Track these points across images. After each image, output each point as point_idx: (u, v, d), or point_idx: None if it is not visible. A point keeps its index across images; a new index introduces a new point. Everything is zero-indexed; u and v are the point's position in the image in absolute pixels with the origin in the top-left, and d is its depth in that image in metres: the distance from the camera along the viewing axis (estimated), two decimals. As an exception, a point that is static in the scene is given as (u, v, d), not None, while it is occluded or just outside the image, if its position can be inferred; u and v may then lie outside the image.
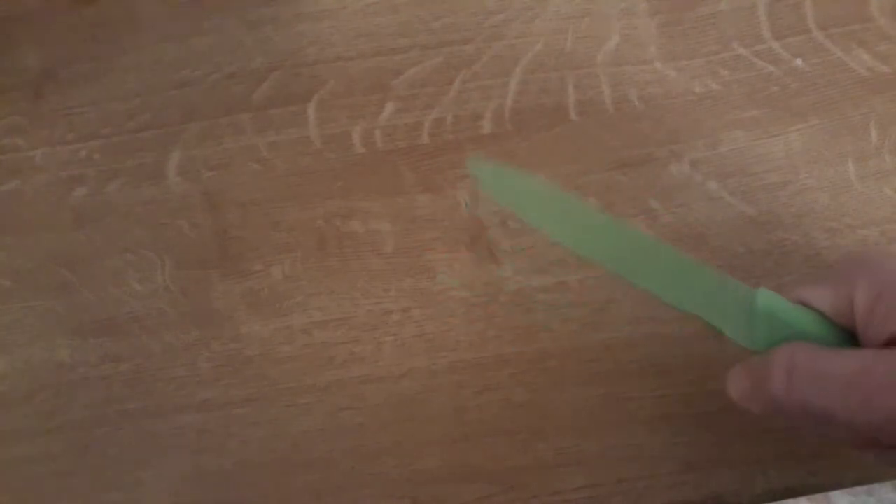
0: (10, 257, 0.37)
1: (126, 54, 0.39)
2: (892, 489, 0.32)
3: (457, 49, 0.38)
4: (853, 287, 0.25)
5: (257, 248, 0.37)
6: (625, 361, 0.35)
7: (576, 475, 0.34)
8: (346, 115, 0.37)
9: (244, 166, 0.37)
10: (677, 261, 0.29)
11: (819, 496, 0.32)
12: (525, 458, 0.34)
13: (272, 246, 0.36)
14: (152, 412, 0.35)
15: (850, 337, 0.26)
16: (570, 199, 0.33)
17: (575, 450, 0.34)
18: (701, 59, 0.37)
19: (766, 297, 0.27)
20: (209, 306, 0.36)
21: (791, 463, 0.34)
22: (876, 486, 0.32)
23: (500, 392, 0.35)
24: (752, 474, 0.34)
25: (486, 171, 0.34)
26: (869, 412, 0.24)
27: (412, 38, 0.38)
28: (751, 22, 0.37)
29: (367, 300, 0.36)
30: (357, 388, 0.35)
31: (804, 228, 0.35)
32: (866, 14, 0.37)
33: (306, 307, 0.36)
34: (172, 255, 0.37)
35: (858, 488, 0.32)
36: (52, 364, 0.36)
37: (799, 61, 0.37)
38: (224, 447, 0.35)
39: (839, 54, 0.37)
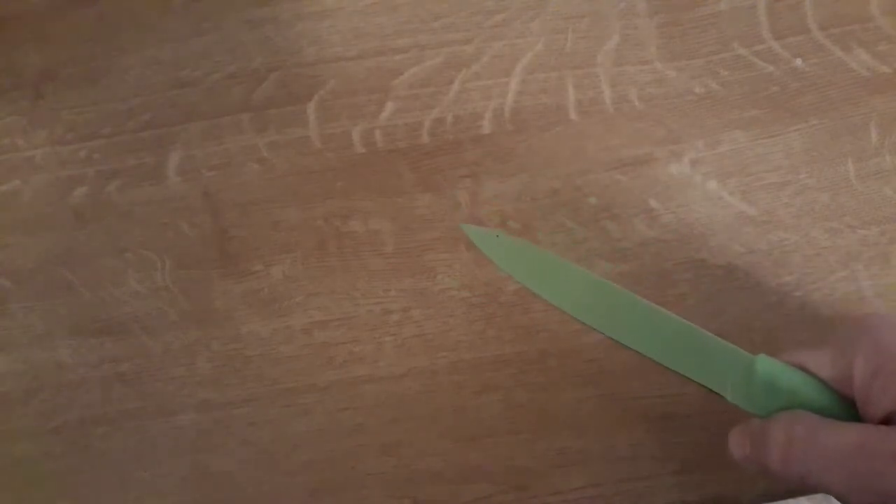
0: (10, 257, 0.37)
1: (126, 54, 0.39)
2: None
3: (457, 49, 0.38)
4: (852, 357, 0.25)
5: (257, 248, 0.37)
6: (625, 361, 0.35)
7: (576, 475, 0.34)
8: (346, 115, 0.37)
9: (244, 166, 0.37)
10: (676, 327, 0.30)
11: (819, 496, 0.32)
12: (525, 458, 0.34)
13: (272, 246, 0.36)
14: (152, 412, 0.35)
15: (849, 405, 0.26)
16: (567, 265, 0.34)
17: (575, 450, 0.34)
18: (701, 59, 0.37)
19: (766, 364, 0.27)
20: (209, 306, 0.36)
21: (791, 463, 0.34)
22: (876, 486, 0.32)
23: (500, 392, 0.35)
24: (752, 474, 0.34)
25: (480, 237, 0.35)
26: (864, 491, 0.23)
27: (412, 38, 0.38)
28: (751, 22, 0.37)
29: (367, 300, 0.36)
30: (357, 388, 0.35)
31: (804, 228, 0.35)
32: (866, 14, 0.37)
33: (306, 307, 0.36)
34: (172, 255, 0.37)
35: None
36: (52, 364, 0.36)
37: (799, 61, 0.37)
38: (224, 447, 0.35)
39: (839, 54, 0.37)
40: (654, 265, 0.35)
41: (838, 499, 0.24)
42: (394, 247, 0.36)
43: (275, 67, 0.38)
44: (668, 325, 0.30)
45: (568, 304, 0.33)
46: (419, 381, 0.35)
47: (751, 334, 0.34)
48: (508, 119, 0.37)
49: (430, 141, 0.37)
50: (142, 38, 0.39)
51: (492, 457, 0.34)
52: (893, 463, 0.23)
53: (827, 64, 0.37)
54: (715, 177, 0.36)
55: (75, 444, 0.35)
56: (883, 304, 0.34)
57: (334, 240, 0.36)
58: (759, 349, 0.29)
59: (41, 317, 0.36)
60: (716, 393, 0.29)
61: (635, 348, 0.31)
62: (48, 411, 0.36)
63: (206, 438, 0.35)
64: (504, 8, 0.38)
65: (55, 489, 0.35)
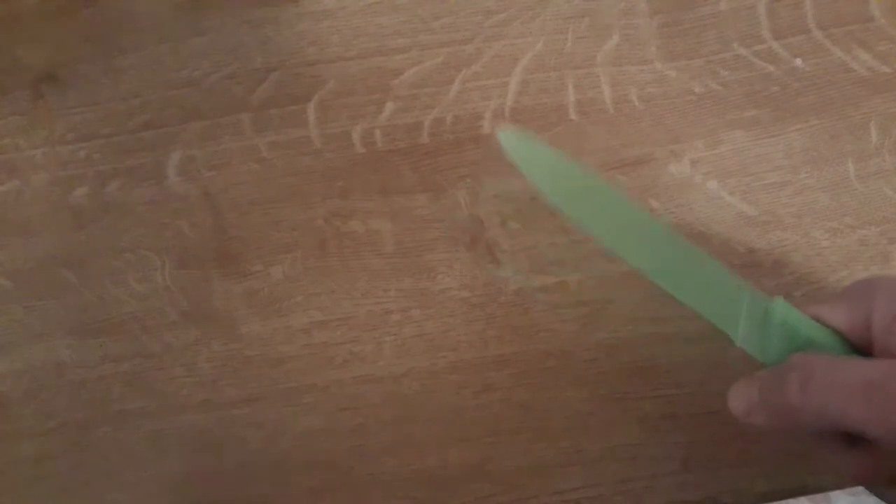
0: (10, 257, 0.37)
1: (126, 54, 0.39)
2: (892, 489, 0.32)
3: (457, 49, 0.38)
4: (871, 306, 0.26)
5: (257, 248, 0.37)
6: (625, 361, 0.35)
7: (576, 475, 0.34)
8: (346, 115, 0.37)
9: (244, 166, 0.37)
10: (697, 259, 0.29)
11: (819, 496, 0.32)
12: (525, 458, 0.34)
13: (272, 246, 0.36)
14: (152, 412, 0.35)
15: (865, 356, 0.26)
16: (601, 184, 0.31)
17: (575, 450, 0.34)
18: (701, 59, 0.37)
19: (783, 308, 0.27)
20: (209, 306, 0.36)
21: (791, 463, 0.34)
22: (876, 486, 0.32)
23: (500, 392, 0.35)
24: (752, 474, 0.34)
25: (513, 141, 0.31)
26: (883, 423, 0.23)
27: (412, 38, 0.38)
28: (751, 22, 0.37)
29: (367, 300, 0.36)
30: (357, 388, 0.35)
31: (804, 228, 0.35)
32: (866, 14, 0.37)
33: (306, 307, 0.36)
34: (172, 255, 0.37)
35: (858, 488, 0.32)
36: (52, 364, 0.36)
37: (799, 61, 0.37)
38: (224, 447, 0.35)
39: (839, 54, 0.37)
40: (654, 265, 0.35)
41: (855, 430, 0.24)
42: (394, 247, 0.36)
43: (275, 67, 0.38)
44: (690, 255, 0.28)
45: (591, 223, 0.29)
46: (419, 381, 0.35)
47: (751, 334, 0.34)
48: (508, 119, 0.37)
49: (430, 141, 0.37)
50: (142, 38, 0.39)
51: (492, 457, 0.34)
52: None
53: (827, 64, 0.37)
54: (715, 177, 0.36)
55: (75, 444, 0.35)
56: (883, 304, 0.34)
57: (334, 240, 0.36)
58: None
59: (41, 317, 0.36)
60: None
61: (649, 274, 0.28)
62: (48, 411, 0.36)
63: (206, 438, 0.35)
64: (504, 8, 0.38)
65: (55, 489, 0.35)
